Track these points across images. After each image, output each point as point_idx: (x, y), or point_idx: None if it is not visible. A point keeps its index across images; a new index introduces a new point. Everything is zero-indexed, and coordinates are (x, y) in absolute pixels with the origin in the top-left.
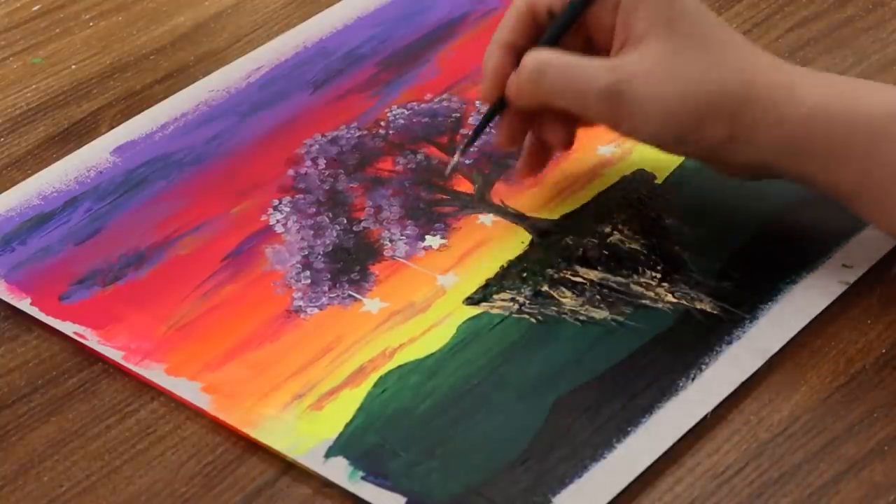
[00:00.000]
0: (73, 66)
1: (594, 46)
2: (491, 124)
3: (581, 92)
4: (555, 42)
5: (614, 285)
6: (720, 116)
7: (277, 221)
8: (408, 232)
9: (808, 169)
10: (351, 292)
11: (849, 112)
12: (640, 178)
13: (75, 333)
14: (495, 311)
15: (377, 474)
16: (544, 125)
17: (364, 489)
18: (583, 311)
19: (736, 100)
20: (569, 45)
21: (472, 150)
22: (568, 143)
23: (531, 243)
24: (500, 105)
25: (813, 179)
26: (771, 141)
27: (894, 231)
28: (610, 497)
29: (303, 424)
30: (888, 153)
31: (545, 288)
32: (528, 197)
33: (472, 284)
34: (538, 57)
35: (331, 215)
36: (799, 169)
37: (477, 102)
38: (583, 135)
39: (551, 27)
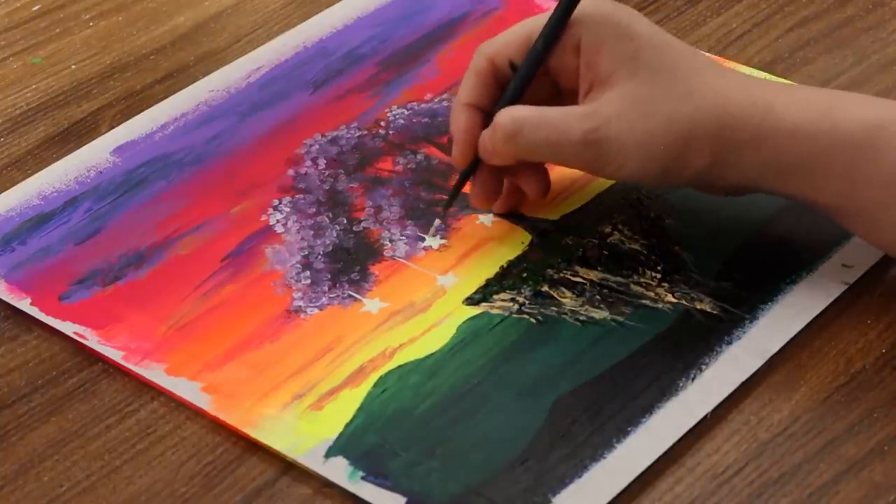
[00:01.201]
0: (73, 66)
1: (561, 90)
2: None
3: (559, 144)
4: (521, 93)
5: (614, 285)
6: (700, 144)
7: (277, 221)
8: (408, 232)
9: (791, 186)
10: (351, 292)
11: (828, 128)
12: None
13: (75, 333)
14: (495, 311)
15: (377, 474)
16: (520, 176)
17: (364, 489)
18: (583, 311)
19: (713, 125)
20: (535, 92)
21: None
22: (545, 192)
23: (531, 243)
24: (474, 165)
25: (797, 195)
26: (752, 161)
27: (880, 243)
28: (610, 497)
29: (303, 424)
30: (869, 167)
31: (545, 288)
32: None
33: (472, 284)
34: (512, 115)
35: (331, 215)
36: (782, 186)
37: None
38: None
39: (515, 79)
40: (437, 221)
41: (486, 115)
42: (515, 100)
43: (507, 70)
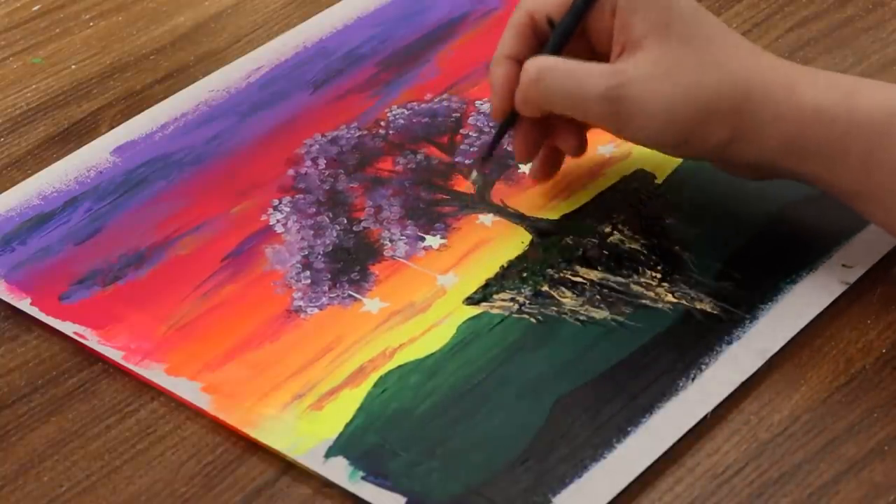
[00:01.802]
0: (73, 66)
1: (597, 52)
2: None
3: (581, 97)
4: (558, 50)
5: (614, 285)
6: (721, 117)
7: (277, 221)
8: (408, 232)
9: (809, 168)
10: (351, 292)
11: (849, 111)
12: (640, 178)
13: (75, 333)
14: (495, 311)
15: (377, 474)
16: (556, 132)
17: (364, 489)
18: (583, 311)
19: (736, 100)
20: (573, 53)
21: (472, 150)
22: (580, 150)
23: (531, 243)
24: (512, 119)
25: (814, 179)
26: (772, 140)
27: (894, 230)
28: (610, 497)
29: (303, 424)
30: (888, 153)
31: (545, 288)
32: (528, 197)
33: (472, 284)
34: (537, 63)
35: (331, 215)
36: (800, 168)
37: (477, 102)
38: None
39: (553, 35)
40: (475, 173)
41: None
42: (553, 54)
43: (545, 26)
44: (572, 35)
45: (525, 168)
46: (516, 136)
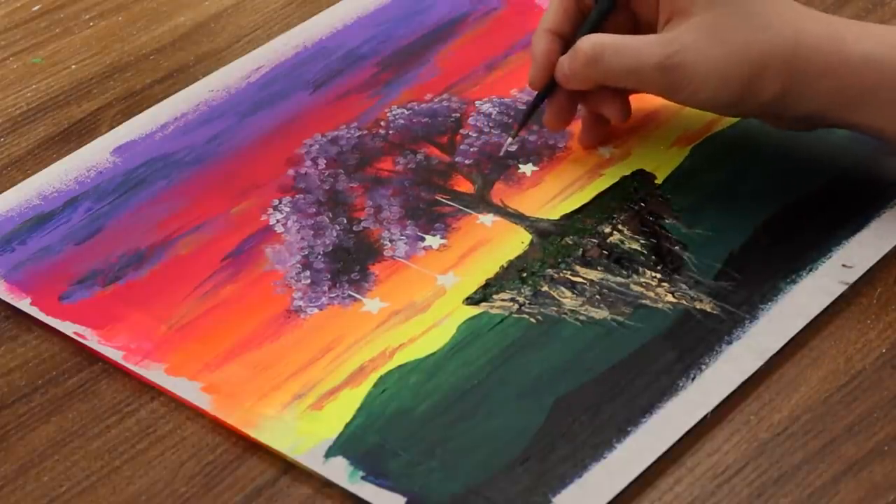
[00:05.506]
0: (73, 66)
1: (640, 22)
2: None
3: (637, 70)
4: (601, 21)
5: (614, 285)
6: (772, 73)
7: (277, 221)
8: (408, 232)
9: (860, 117)
10: (351, 292)
11: None
12: (640, 178)
13: (75, 333)
14: (495, 311)
15: (377, 474)
16: (601, 101)
17: (364, 489)
18: (583, 311)
19: (786, 54)
20: (615, 25)
21: (471, 150)
22: (626, 115)
23: (531, 243)
24: (549, 88)
25: (866, 128)
26: (822, 92)
27: None
28: (610, 497)
29: (303, 424)
30: None
31: (545, 288)
32: (528, 197)
33: (472, 284)
34: (593, 41)
35: (331, 215)
36: (852, 118)
37: (477, 102)
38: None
39: (596, 9)
40: (509, 140)
41: (564, 43)
42: (596, 27)
43: (588, 1)
44: (613, 9)
45: (524, 168)
46: (551, 106)
